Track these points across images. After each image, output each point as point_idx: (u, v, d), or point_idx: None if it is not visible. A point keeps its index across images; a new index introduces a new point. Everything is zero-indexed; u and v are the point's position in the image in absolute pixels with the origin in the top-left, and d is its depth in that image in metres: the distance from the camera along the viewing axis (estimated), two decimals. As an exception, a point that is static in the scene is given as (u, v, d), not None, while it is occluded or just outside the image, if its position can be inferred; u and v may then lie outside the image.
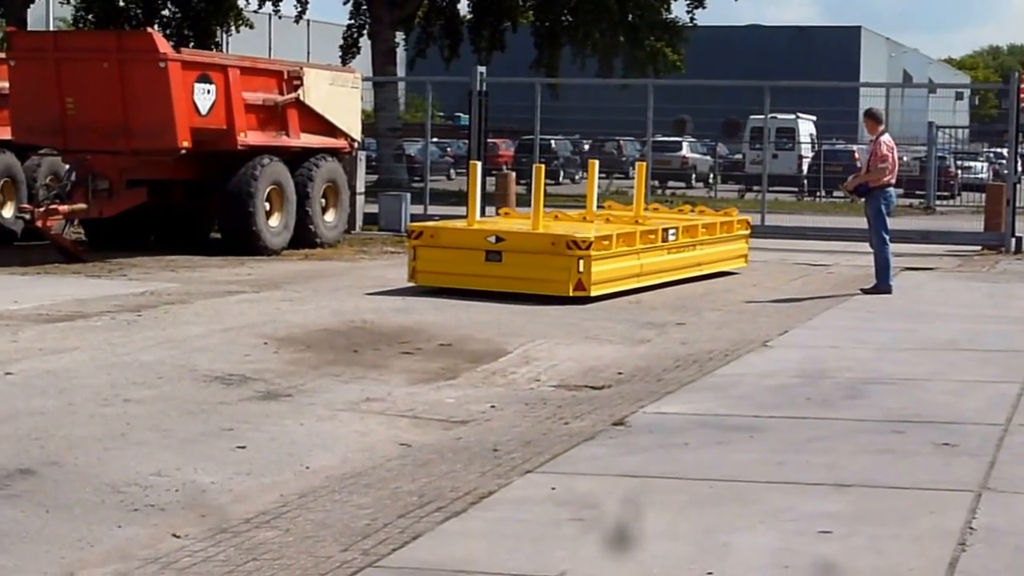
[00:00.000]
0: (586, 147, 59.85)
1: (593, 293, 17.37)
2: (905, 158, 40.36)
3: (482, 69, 29.06)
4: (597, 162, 23.44)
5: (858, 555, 7.00)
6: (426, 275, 18.13)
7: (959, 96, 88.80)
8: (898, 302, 17.85)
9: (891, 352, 13.73)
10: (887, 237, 18.56)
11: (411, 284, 18.13)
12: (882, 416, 10.44)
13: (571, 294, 17.21)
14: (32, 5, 41.53)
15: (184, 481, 8.53)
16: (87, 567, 6.94)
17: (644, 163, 23.30)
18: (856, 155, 44.72)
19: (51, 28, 51.44)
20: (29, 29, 38.16)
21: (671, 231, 19.66)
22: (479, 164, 20.47)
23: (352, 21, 43.11)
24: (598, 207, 21.94)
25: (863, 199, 19.16)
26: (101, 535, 7.46)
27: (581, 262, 17.30)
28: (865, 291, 18.54)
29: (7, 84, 22.69)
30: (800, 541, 7.20)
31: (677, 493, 8.24)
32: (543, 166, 19.39)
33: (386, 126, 38.17)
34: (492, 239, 17.86)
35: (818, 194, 48.32)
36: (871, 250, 18.90)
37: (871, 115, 19.10)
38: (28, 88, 22.03)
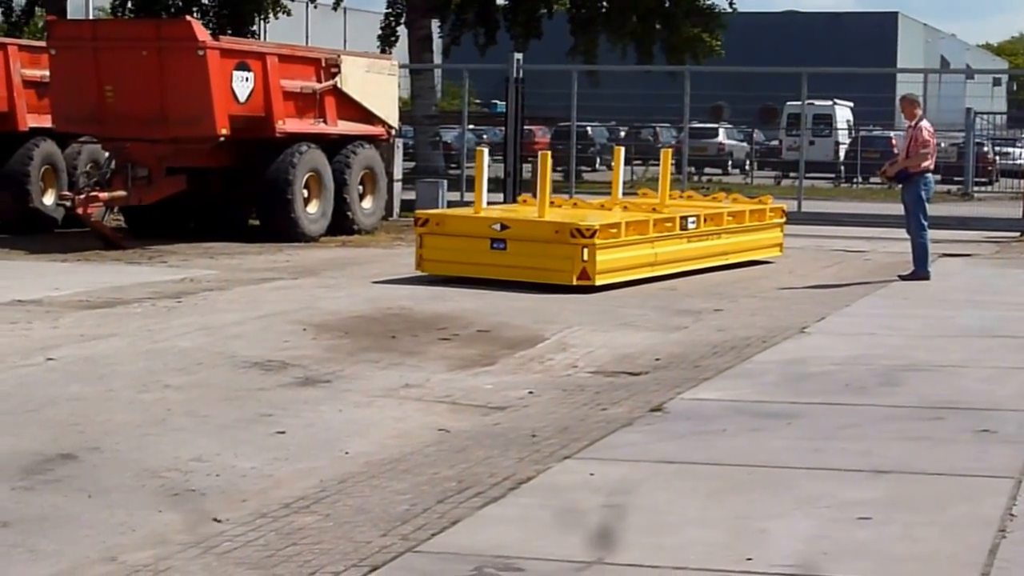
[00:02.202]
0: (622, 134, 59.77)
1: (598, 282, 17.01)
2: (943, 144, 40.18)
3: (518, 56, 29.03)
4: (622, 149, 23.18)
5: (896, 542, 7.01)
6: (432, 263, 17.97)
7: (997, 82, 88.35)
8: (935, 288, 17.80)
9: (928, 339, 13.70)
10: (925, 223, 18.51)
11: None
12: (919, 403, 10.43)
13: (574, 283, 16.88)
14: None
15: (223, 466, 8.59)
16: (128, 551, 6.99)
17: (668, 150, 22.85)
18: (893, 141, 44.54)
19: (90, 17, 51.63)
20: (68, 18, 38.34)
21: (691, 219, 19.26)
22: (485, 151, 19.92)
23: (389, 10, 43.14)
24: (630, 194, 21.74)
25: (900, 185, 19.10)
26: (141, 520, 7.52)
27: (585, 250, 16.96)
28: (902, 277, 18.50)
29: (47, 73, 22.85)
30: (837, 527, 7.21)
31: (714, 479, 8.26)
32: (548, 153, 18.90)
33: (423, 113, 38.18)
34: (496, 227, 17.62)
35: (855, 180, 48.16)
36: (908, 236, 18.84)
37: (910, 100, 18.97)
38: (68, 77, 22.16)
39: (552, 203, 19.01)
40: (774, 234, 21.44)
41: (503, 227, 17.61)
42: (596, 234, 17.08)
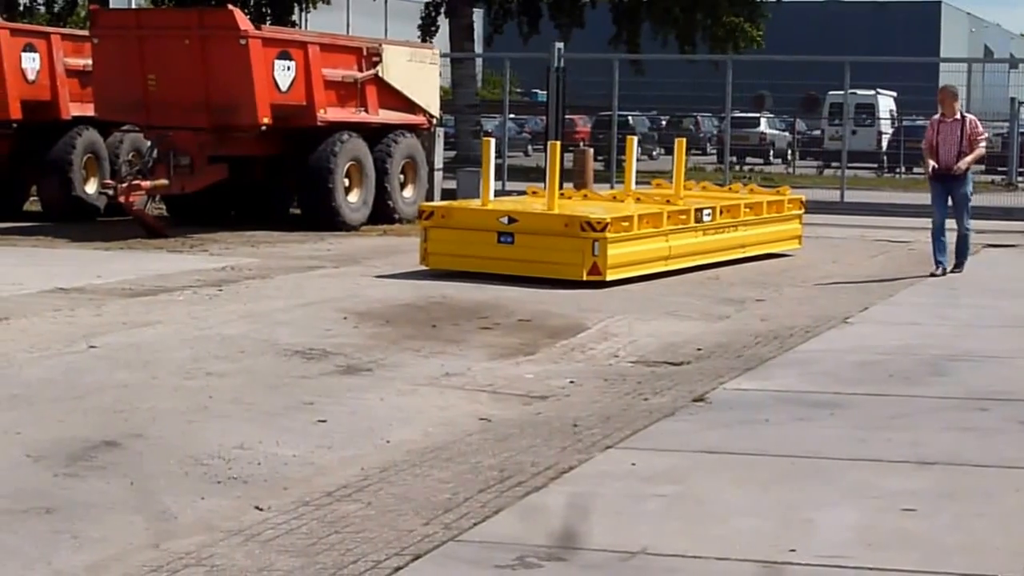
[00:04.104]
0: (663, 123, 59.58)
1: (609, 277, 16.50)
2: (987, 134, 39.87)
3: (560, 45, 28.99)
4: (635, 139, 22.73)
5: (943, 533, 6.95)
6: (437, 257, 17.36)
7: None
8: (980, 278, 17.68)
9: (974, 329, 13.61)
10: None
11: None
12: (965, 393, 10.36)
13: (585, 278, 16.34)
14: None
15: (266, 454, 8.59)
16: (171, 538, 6.99)
17: (683, 140, 22.25)
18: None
19: (133, 6, 51.81)
20: (112, 7, 38.47)
21: (706, 211, 18.70)
22: (492, 141, 19.41)
23: (430, -1, 43.16)
24: (640, 185, 21.32)
25: (934, 179, 18.69)
26: (185, 507, 7.52)
27: (596, 244, 16.43)
28: (934, 274, 18.33)
29: (90, 61, 22.94)
30: (884, 518, 7.15)
31: (758, 469, 8.21)
32: (558, 143, 18.43)
33: (464, 102, 38.20)
34: (504, 220, 17.05)
35: (898, 170, 47.88)
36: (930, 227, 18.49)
37: (953, 93, 18.48)
38: (111, 65, 22.24)
39: (562, 194, 18.70)
40: (793, 226, 20.80)
41: (511, 220, 17.04)
42: (607, 227, 16.56)
